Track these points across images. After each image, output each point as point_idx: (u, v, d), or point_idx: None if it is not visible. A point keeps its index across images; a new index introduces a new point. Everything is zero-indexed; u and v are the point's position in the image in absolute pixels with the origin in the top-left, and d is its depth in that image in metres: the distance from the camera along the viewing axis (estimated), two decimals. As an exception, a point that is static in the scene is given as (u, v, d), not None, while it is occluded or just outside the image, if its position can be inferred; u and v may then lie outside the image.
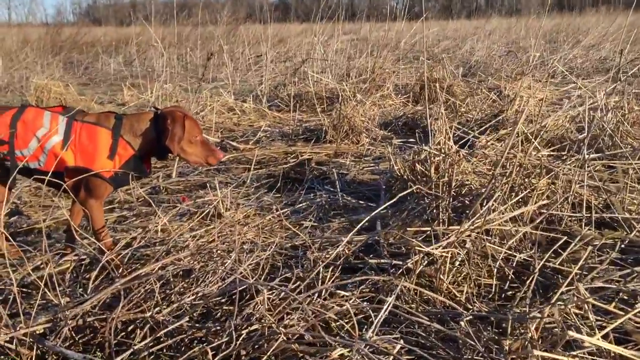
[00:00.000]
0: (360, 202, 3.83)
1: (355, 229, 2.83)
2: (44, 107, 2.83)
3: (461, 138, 4.94)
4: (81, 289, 2.44)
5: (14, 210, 3.83)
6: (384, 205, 3.10)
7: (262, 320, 1.95)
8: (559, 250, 2.64)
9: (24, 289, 2.53)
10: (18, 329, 1.95)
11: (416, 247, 2.40)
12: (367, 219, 3.06)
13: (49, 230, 3.40)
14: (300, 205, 3.80)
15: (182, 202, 3.92)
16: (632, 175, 3.18)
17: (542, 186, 2.88)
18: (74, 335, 2.07)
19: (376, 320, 1.92)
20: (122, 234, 3.28)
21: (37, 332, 2.04)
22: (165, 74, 11.17)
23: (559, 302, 1.91)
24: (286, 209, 3.67)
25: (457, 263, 2.52)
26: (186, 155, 2.88)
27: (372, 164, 4.94)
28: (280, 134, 6.32)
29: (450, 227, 2.65)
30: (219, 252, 2.54)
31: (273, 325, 1.88)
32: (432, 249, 2.38)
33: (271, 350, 1.79)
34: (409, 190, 3.18)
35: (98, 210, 2.81)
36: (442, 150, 3.39)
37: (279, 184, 4.49)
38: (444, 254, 2.39)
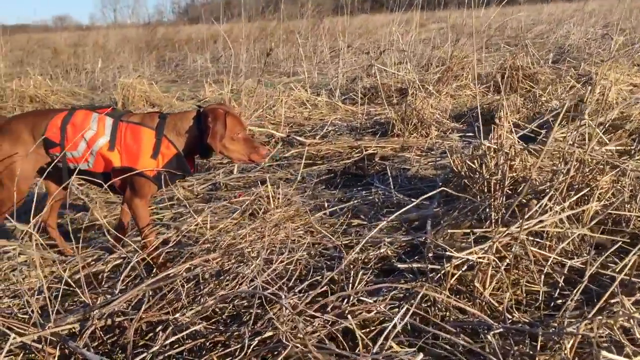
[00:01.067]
0: (413, 199, 3.66)
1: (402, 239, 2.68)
2: (94, 109, 2.92)
3: (537, 129, 4.64)
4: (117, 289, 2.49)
5: (80, 206, 4.02)
6: (435, 205, 2.94)
7: (277, 329, 1.89)
8: (621, 255, 2.39)
9: (70, 288, 2.62)
10: (47, 327, 2.01)
11: (450, 253, 2.24)
12: (415, 218, 2.92)
13: (104, 228, 3.52)
14: (352, 202, 3.69)
15: (238, 197, 3.94)
16: None
17: (604, 184, 2.61)
18: (102, 335, 2.11)
19: (386, 332, 1.80)
20: (173, 232, 3.33)
21: (67, 331, 2.10)
22: (245, 69, 11.41)
23: (599, 317, 1.70)
24: (335, 207, 3.58)
25: (502, 268, 2.34)
26: (228, 152, 2.87)
27: (437, 158, 4.75)
28: (349, 127, 6.23)
29: (497, 229, 2.46)
30: (250, 252, 2.51)
31: (285, 333, 1.82)
32: (468, 254, 2.21)
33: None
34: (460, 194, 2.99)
35: (143, 209, 2.86)
36: (499, 145, 3.17)
37: (338, 180, 4.42)
38: (480, 259, 2.21)
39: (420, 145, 5.22)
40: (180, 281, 2.23)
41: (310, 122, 6.74)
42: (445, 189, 2.76)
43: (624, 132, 4.21)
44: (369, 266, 2.68)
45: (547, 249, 2.51)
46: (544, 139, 4.05)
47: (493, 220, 2.83)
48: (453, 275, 2.29)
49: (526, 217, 2.40)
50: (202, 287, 2.34)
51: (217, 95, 8.86)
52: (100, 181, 2.78)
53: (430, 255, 2.70)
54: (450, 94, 7.18)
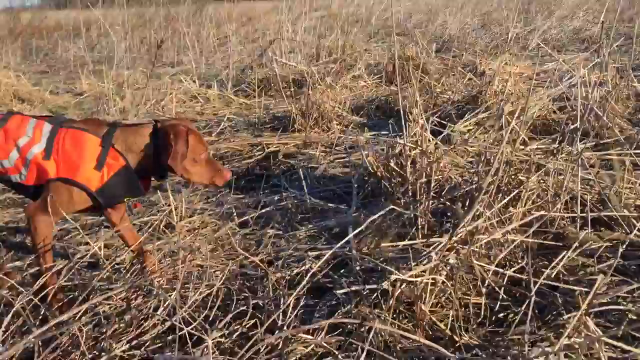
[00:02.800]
0: (330, 204, 3.46)
1: (327, 254, 2.46)
2: (33, 115, 2.44)
3: (439, 124, 4.61)
4: None
5: None
6: (352, 209, 2.76)
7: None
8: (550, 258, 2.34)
9: None
10: None
11: (390, 274, 2.05)
12: (335, 226, 2.72)
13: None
14: (264, 209, 3.42)
15: (134, 209, 3.53)
16: (628, 166, 2.87)
17: (532, 185, 2.56)
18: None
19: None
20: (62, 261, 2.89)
21: None
22: (125, 59, 10.63)
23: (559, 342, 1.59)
24: (246, 216, 3.30)
25: (439, 283, 2.19)
26: (189, 175, 2.51)
27: (344, 155, 4.58)
28: (246, 123, 5.92)
29: (431, 240, 2.31)
30: (161, 282, 2.17)
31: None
32: (409, 276, 2.03)
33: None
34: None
35: (47, 227, 2.39)
36: (419, 144, 3.04)
37: (242, 182, 4.12)
38: (427, 280, 2.05)
39: (324, 140, 5.04)
40: (78, 326, 1.85)
41: (204, 117, 6.34)
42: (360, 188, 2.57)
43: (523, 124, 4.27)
44: (295, 285, 2.43)
45: (478, 256, 2.40)
46: (450, 134, 4.01)
47: (419, 227, 2.70)
48: (389, 298, 2.11)
49: (464, 223, 2.27)
50: (104, 330, 1.97)
51: (98, 88, 8.13)
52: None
53: (358, 268, 2.51)
54: (346, 86, 7.06)
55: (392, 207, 2.64)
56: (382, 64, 8.58)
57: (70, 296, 2.31)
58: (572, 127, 2.87)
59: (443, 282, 2.16)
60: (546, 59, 8.92)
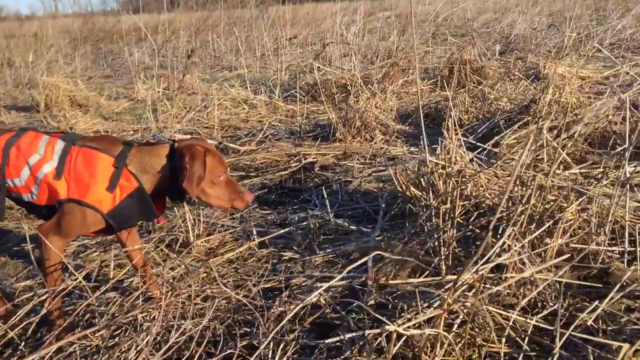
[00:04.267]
0: (353, 226, 3.22)
1: (333, 283, 2.25)
2: (46, 132, 2.39)
3: (485, 135, 4.29)
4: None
5: None
6: (377, 232, 2.52)
7: None
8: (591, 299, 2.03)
9: None
10: None
11: (387, 328, 1.80)
12: (355, 251, 2.49)
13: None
14: (284, 228, 3.24)
15: (157, 225, 3.44)
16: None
17: (570, 215, 2.25)
18: None
19: None
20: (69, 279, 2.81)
21: None
22: (183, 64, 10.75)
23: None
24: (264, 237, 3.12)
25: (453, 329, 1.94)
26: (207, 198, 2.37)
27: (382, 168, 4.34)
28: (289, 131, 5.76)
29: (448, 278, 2.05)
30: (146, 318, 2.03)
31: None
32: (405, 328, 1.78)
33: None
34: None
35: (56, 251, 2.29)
36: (445, 163, 2.78)
37: (272, 196, 3.96)
38: (428, 332, 1.80)
39: (364, 151, 4.81)
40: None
41: (248, 124, 6.24)
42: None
43: (578, 137, 3.90)
44: (299, 320, 2.24)
45: (504, 296, 2.13)
46: (494, 151, 3.69)
47: (443, 257, 2.44)
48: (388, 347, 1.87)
49: (482, 262, 2.00)
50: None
51: (154, 91, 8.21)
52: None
53: (371, 303, 2.29)
54: (395, 92, 6.79)
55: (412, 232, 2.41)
56: (439, 67, 8.24)
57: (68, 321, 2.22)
58: (621, 148, 2.51)
59: (447, 335, 1.91)
60: (620, 61, 8.32)
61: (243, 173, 4.54)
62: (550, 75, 5.05)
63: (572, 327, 1.80)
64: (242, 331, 2.22)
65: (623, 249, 2.27)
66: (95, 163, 2.26)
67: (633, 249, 2.25)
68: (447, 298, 1.74)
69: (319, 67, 7.17)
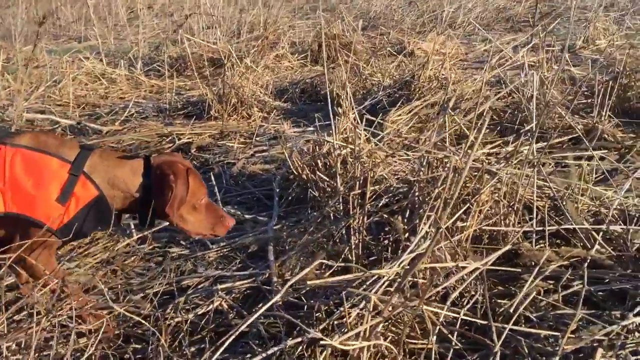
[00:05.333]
0: (246, 214, 2.94)
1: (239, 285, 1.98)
2: None
3: (369, 112, 4.18)
4: None
5: None
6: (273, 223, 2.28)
7: None
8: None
9: None
10: None
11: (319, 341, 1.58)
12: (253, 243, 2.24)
13: None
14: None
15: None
16: (585, 170, 2.55)
17: (484, 197, 2.18)
18: None
19: None
20: None
21: None
22: (24, 34, 9.58)
23: None
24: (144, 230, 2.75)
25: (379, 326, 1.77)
26: (185, 224, 2.02)
27: (265, 147, 4.07)
28: (157, 109, 5.27)
29: (372, 272, 1.87)
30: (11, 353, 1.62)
31: None
32: (340, 342, 1.57)
33: None
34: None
35: (47, 260, 1.89)
36: (350, 142, 2.60)
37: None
38: (372, 343, 1.60)
39: (244, 130, 4.51)
40: None
41: (108, 101, 5.63)
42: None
43: (460, 112, 3.92)
44: (200, 330, 1.95)
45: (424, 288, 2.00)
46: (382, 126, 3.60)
47: (352, 246, 2.26)
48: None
49: (403, 257, 1.84)
50: None
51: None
52: None
53: (280, 301, 2.05)
54: (268, 66, 6.52)
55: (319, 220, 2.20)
56: (307, 42, 8.08)
57: None
58: (527, 127, 2.49)
59: (392, 348, 1.74)
60: (474, 39, 8.74)
61: (109, 157, 4.04)
62: (430, 50, 5.07)
63: (511, 322, 1.70)
64: (134, 347, 1.88)
65: (531, 229, 2.24)
66: (41, 168, 1.81)
67: (541, 228, 2.23)
68: (386, 304, 1.56)
69: (187, 38, 6.67)
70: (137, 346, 1.91)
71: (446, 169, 2.11)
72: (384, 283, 1.82)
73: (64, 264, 2.37)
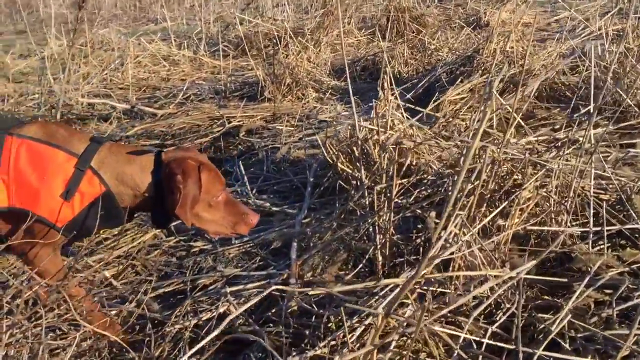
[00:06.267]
0: (276, 207, 2.76)
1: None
2: None
3: (426, 91, 3.89)
4: None
5: None
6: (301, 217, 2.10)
7: None
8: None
9: None
10: None
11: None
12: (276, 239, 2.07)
13: None
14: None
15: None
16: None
17: (527, 193, 1.88)
18: None
19: None
20: None
21: None
22: (109, 17, 9.86)
23: None
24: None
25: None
26: (203, 224, 1.89)
27: (315, 131, 3.88)
28: (213, 90, 5.20)
29: (385, 282, 1.65)
30: None
31: None
32: None
33: None
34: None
35: (51, 259, 1.82)
36: (382, 130, 2.36)
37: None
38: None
39: (296, 112, 4.34)
40: None
41: (169, 84, 5.63)
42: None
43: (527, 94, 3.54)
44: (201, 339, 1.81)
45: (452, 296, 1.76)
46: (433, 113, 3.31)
47: (378, 246, 2.04)
48: None
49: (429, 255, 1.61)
50: None
51: (63, 49, 7.38)
52: None
53: (292, 308, 1.88)
54: (330, 44, 6.28)
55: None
56: (377, 16, 7.76)
57: None
58: (585, 109, 2.14)
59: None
60: (559, 5, 8.05)
61: (158, 141, 4.00)
62: (495, 21, 4.66)
63: (543, 347, 1.43)
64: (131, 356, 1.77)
65: (587, 230, 1.92)
66: (47, 161, 1.74)
67: (598, 228, 1.91)
68: (380, 322, 1.34)
69: (246, 18, 6.56)
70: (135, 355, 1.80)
71: (482, 160, 1.83)
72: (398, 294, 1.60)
73: (84, 258, 2.30)
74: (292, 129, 4.01)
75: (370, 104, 3.94)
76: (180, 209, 1.76)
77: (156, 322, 1.90)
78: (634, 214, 1.99)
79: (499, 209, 1.78)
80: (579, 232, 1.99)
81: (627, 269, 1.88)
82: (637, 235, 2.03)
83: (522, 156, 1.90)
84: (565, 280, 1.79)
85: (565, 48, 4.09)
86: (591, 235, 1.95)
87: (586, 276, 1.79)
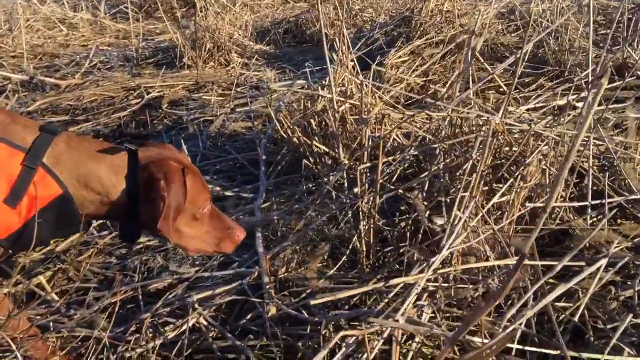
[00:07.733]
0: (223, 186, 2.43)
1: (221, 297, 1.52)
2: None
3: (366, 54, 3.64)
4: None
5: None
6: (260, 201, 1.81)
7: None
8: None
9: None
10: None
11: None
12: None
13: None
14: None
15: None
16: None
17: (532, 168, 1.70)
18: None
19: None
20: None
21: None
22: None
23: None
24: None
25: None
26: (183, 240, 1.48)
27: (247, 101, 3.53)
28: (123, 57, 4.68)
29: (393, 282, 1.42)
30: None
31: None
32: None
33: None
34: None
35: None
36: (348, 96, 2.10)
37: (111, 148, 3.03)
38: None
39: (222, 80, 3.96)
40: None
41: (68, 50, 5.00)
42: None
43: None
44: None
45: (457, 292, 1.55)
46: (380, 69, 3.08)
47: (362, 232, 1.79)
48: None
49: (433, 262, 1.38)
50: None
51: None
52: None
53: (272, 312, 1.60)
54: (246, 4, 5.87)
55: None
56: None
57: None
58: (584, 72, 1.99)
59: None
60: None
61: (67, 117, 3.50)
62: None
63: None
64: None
65: (585, 203, 1.78)
66: None
67: (598, 201, 1.78)
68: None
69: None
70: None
71: (482, 132, 1.62)
72: (407, 294, 1.37)
73: None
74: (221, 98, 3.64)
75: (304, 70, 3.64)
76: (164, 222, 1.38)
77: (106, 343, 1.55)
78: (633, 186, 1.86)
79: (504, 187, 1.58)
80: (575, 207, 1.85)
81: (630, 243, 1.76)
82: (631, 207, 1.92)
83: (526, 127, 1.71)
84: (574, 263, 1.63)
85: (500, 7, 3.98)
86: (589, 210, 1.82)
87: (588, 253, 1.67)
